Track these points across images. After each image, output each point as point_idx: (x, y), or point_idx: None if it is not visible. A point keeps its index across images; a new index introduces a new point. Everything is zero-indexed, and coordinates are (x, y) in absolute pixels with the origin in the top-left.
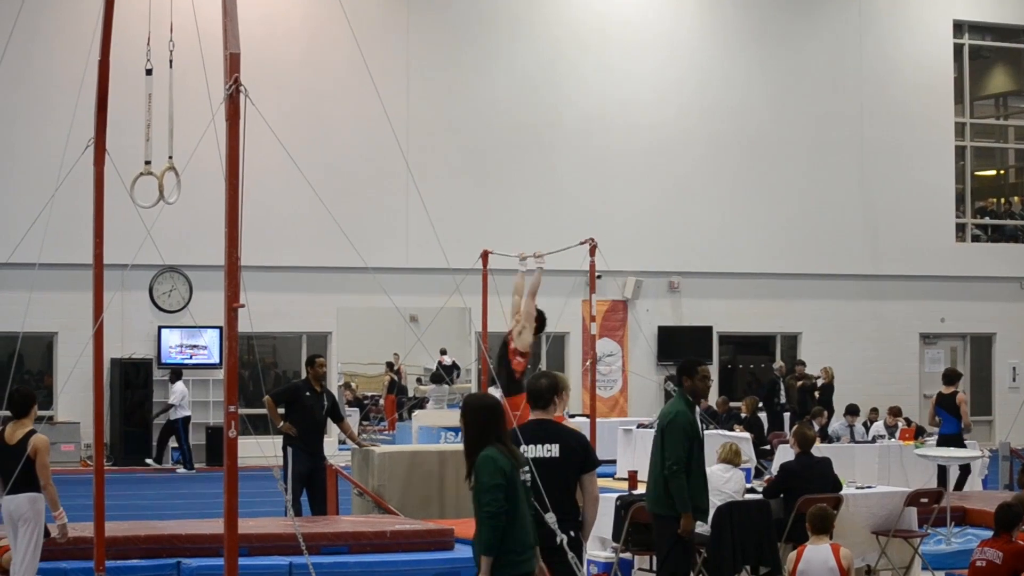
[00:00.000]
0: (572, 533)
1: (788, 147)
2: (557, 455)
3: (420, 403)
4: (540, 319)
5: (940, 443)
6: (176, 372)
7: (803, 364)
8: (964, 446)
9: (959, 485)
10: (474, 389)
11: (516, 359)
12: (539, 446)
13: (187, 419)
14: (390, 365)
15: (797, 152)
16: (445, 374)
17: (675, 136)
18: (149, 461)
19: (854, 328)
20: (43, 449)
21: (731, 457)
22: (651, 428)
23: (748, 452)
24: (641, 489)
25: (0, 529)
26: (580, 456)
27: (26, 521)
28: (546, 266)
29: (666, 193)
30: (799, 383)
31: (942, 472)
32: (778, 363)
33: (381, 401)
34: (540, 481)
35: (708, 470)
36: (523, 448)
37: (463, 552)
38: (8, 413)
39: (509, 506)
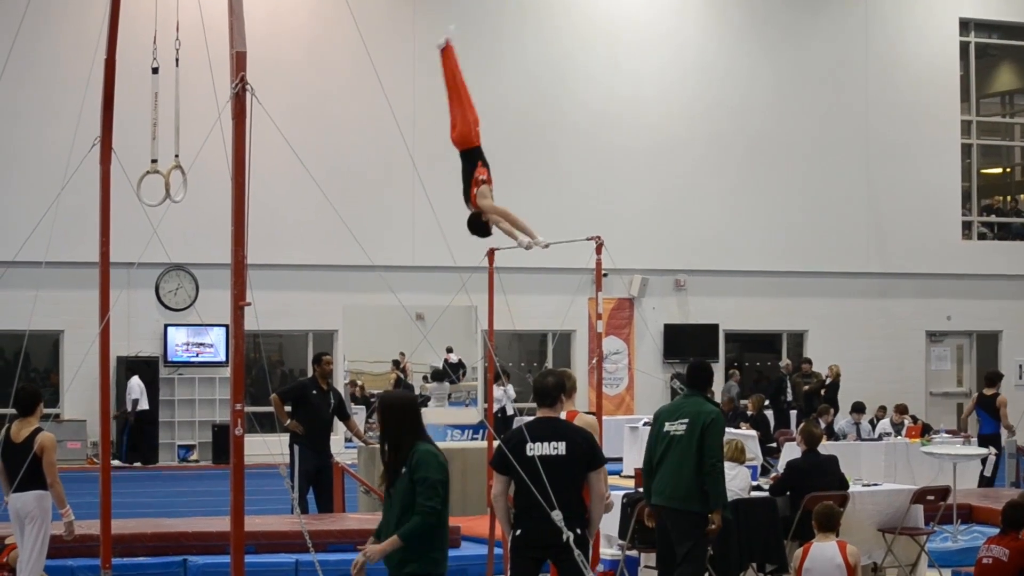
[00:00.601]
0: (578, 530)
1: (794, 145)
2: (564, 453)
3: (425, 401)
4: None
5: (980, 443)
6: (131, 368)
7: (809, 362)
8: (1001, 447)
9: (989, 482)
10: (480, 387)
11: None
12: (546, 444)
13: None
14: (396, 363)
15: (803, 150)
16: (452, 372)
17: (681, 134)
18: (116, 462)
19: (860, 326)
20: (50, 447)
21: (736, 455)
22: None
23: (754, 450)
24: None
25: (6, 527)
26: (587, 454)
27: (32, 519)
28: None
29: (672, 191)
30: (806, 387)
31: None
32: (784, 361)
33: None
34: (547, 478)
35: None
36: (529, 445)
37: (470, 549)
38: (14, 411)
39: (443, 506)
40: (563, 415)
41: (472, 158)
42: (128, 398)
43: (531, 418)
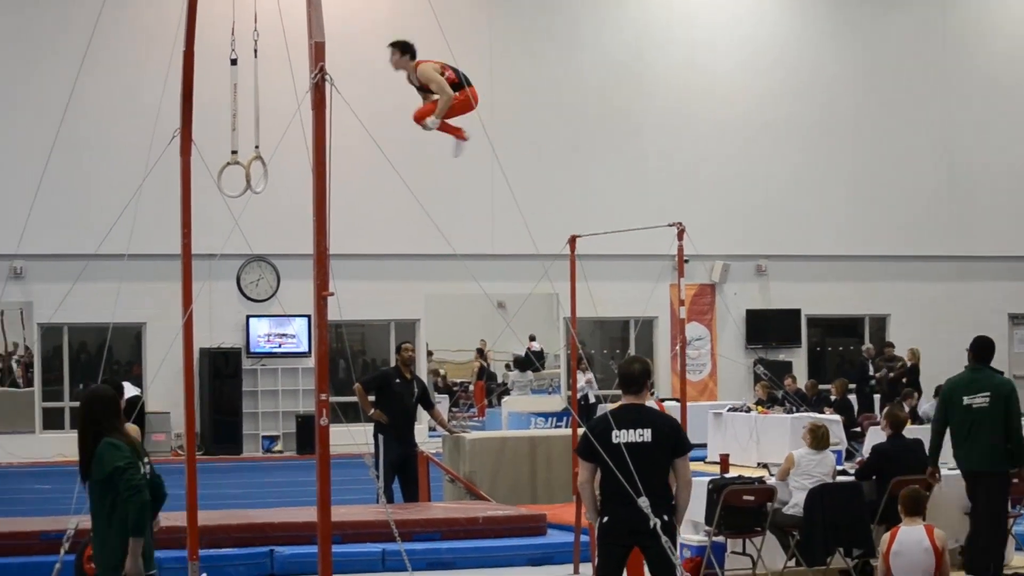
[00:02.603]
0: (665, 517)
1: (874, 127)
2: (649, 439)
3: (508, 389)
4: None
5: None
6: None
7: (891, 346)
8: None
9: None
10: (563, 375)
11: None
12: (631, 431)
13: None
14: (480, 352)
15: (883, 132)
16: (535, 359)
17: (761, 118)
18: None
19: (943, 309)
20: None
21: (819, 440)
22: (743, 412)
23: (839, 434)
24: (733, 472)
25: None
26: (672, 440)
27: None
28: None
29: (752, 176)
30: (889, 374)
31: None
32: (867, 345)
33: (470, 388)
34: (633, 465)
35: (795, 453)
36: (615, 433)
37: (556, 537)
38: None
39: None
40: (651, 403)
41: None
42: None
43: (615, 405)
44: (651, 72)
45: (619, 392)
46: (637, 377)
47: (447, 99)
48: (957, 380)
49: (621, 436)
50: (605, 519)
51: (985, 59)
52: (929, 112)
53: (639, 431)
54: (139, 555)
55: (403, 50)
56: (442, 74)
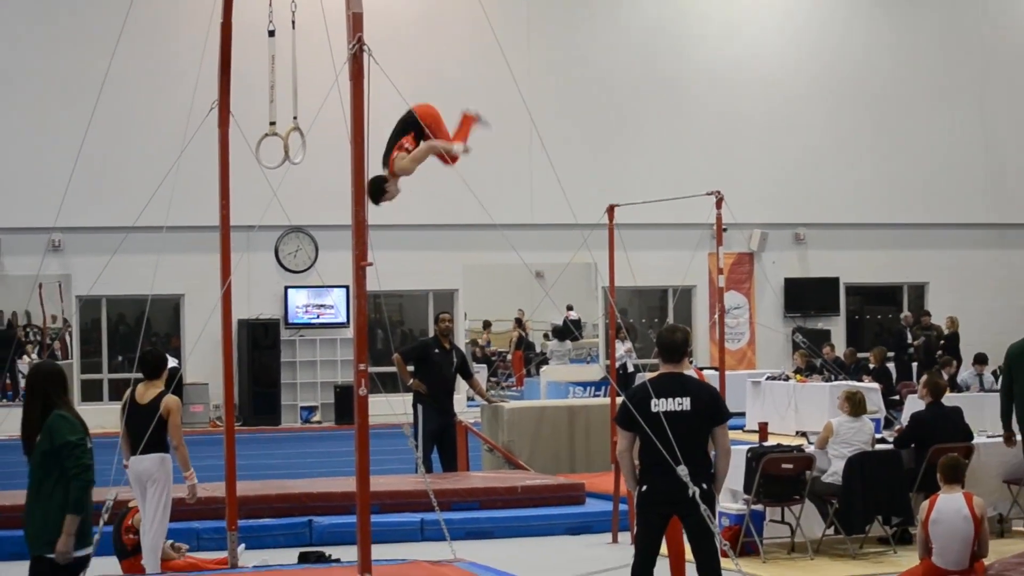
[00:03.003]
0: (704, 486)
1: (912, 95)
2: (688, 408)
3: (546, 359)
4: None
5: None
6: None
7: (928, 314)
8: None
9: None
10: (602, 344)
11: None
12: (670, 399)
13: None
14: (518, 321)
15: (921, 100)
16: (573, 328)
17: (799, 88)
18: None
19: (981, 277)
20: (175, 409)
21: (857, 405)
22: (781, 380)
23: (877, 403)
24: (772, 440)
25: (129, 492)
26: (711, 409)
27: (155, 481)
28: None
29: (791, 145)
30: (924, 339)
31: None
32: (905, 313)
33: (509, 357)
34: (672, 434)
35: (834, 422)
36: (654, 401)
37: (595, 506)
38: (139, 375)
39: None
40: (691, 372)
41: (410, 127)
42: None
43: (653, 374)
44: (690, 41)
45: (658, 361)
46: (679, 346)
47: (429, 147)
48: (1020, 345)
49: (660, 405)
50: (644, 488)
51: (1021, 23)
52: (967, 78)
53: (678, 400)
54: (73, 533)
55: (375, 191)
56: (408, 149)
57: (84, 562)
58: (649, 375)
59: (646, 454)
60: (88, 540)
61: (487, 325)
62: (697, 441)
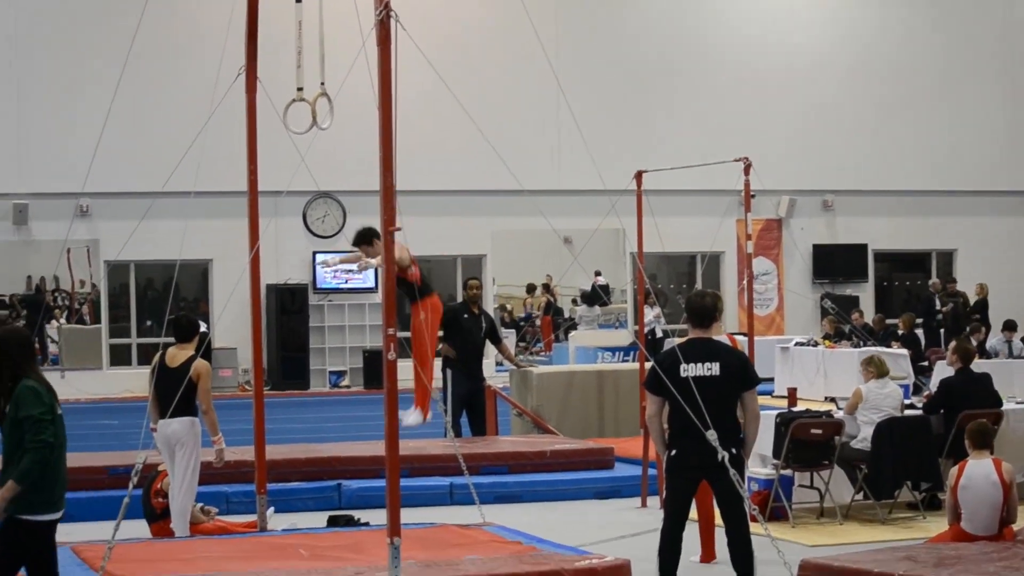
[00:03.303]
0: (733, 450)
1: (937, 62)
2: (717, 373)
3: (575, 324)
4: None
5: None
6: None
7: (954, 281)
8: None
9: None
10: (630, 310)
11: (408, 274)
12: (699, 364)
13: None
14: (546, 287)
15: (949, 67)
16: (603, 293)
17: (825, 54)
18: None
19: (1010, 244)
20: (205, 374)
21: (879, 366)
22: (810, 346)
23: (906, 368)
24: (801, 406)
25: (159, 456)
26: (740, 374)
27: (183, 445)
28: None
29: (819, 111)
30: (952, 305)
31: None
32: (933, 280)
33: (537, 322)
34: (701, 399)
35: (863, 388)
36: (683, 366)
37: (624, 471)
38: (168, 339)
39: (56, 441)
40: (723, 338)
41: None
42: None
43: (683, 339)
44: (719, 6)
45: (687, 327)
46: (708, 311)
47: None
48: None
49: (689, 370)
50: (673, 452)
51: None
52: (995, 46)
53: (707, 365)
54: (8, 500)
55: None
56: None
57: (52, 526)
58: (678, 340)
59: (675, 419)
60: (56, 507)
61: (531, 289)
62: (726, 406)
